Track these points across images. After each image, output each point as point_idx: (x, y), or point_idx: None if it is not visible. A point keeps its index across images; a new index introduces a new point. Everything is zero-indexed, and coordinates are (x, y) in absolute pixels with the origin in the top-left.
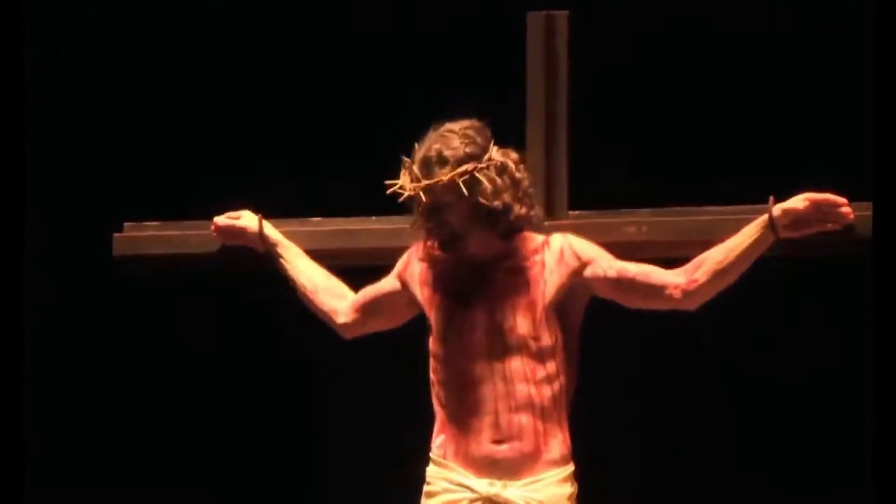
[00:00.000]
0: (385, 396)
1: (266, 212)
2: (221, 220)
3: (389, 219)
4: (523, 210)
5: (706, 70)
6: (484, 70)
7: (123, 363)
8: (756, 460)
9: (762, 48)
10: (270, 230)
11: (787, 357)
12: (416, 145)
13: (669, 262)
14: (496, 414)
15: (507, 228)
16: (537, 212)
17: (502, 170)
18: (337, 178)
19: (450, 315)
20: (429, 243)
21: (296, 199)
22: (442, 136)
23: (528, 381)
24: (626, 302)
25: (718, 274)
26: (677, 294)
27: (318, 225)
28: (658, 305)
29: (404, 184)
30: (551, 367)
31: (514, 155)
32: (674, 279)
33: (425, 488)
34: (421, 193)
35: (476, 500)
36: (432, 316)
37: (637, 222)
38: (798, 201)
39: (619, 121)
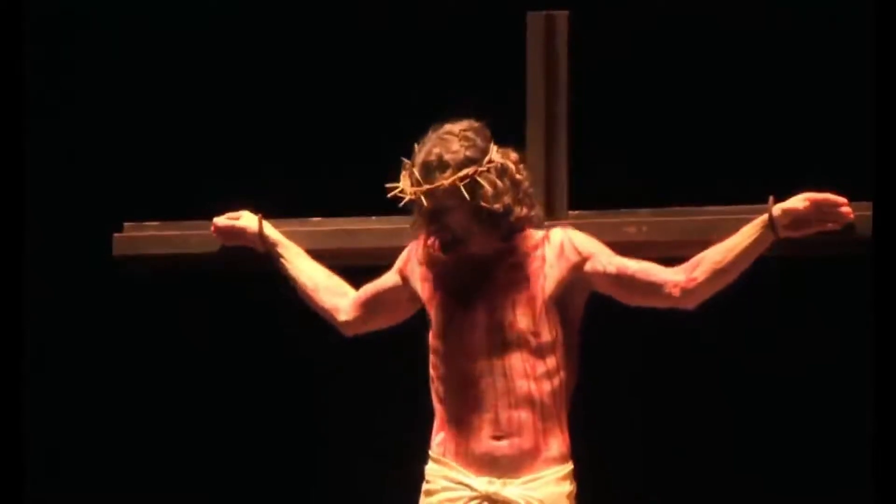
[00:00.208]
0: (385, 395)
1: (266, 212)
2: (221, 220)
3: (389, 219)
4: (524, 211)
5: (706, 70)
6: (484, 70)
7: (123, 363)
8: (756, 460)
9: (762, 48)
10: (270, 230)
11: (787, 357)
12: (416, 147)
13: (669, 262)
14: (496, 410)
15: (507, 229)
16: (538, 212)
17: (503, 172)
18: (337, 178)
19: (450, 312)
20: (429, 244)
21: (296, 199)
22: (441, 138)
23: (527, 377)
24: (625, 299)
25: (717, 273)
26: (676, 292)
27: (318, 225)
28: (657, 303)
29: (405, 187)
30: (551, 362)
31: (513, 155)
32: (673, 277)
33: (424, 486)
34: (422, 197)
35: (475, 498)
36: (432, 313)
37: (637, 222)
38: (798, 201)
39: (619, 121)
